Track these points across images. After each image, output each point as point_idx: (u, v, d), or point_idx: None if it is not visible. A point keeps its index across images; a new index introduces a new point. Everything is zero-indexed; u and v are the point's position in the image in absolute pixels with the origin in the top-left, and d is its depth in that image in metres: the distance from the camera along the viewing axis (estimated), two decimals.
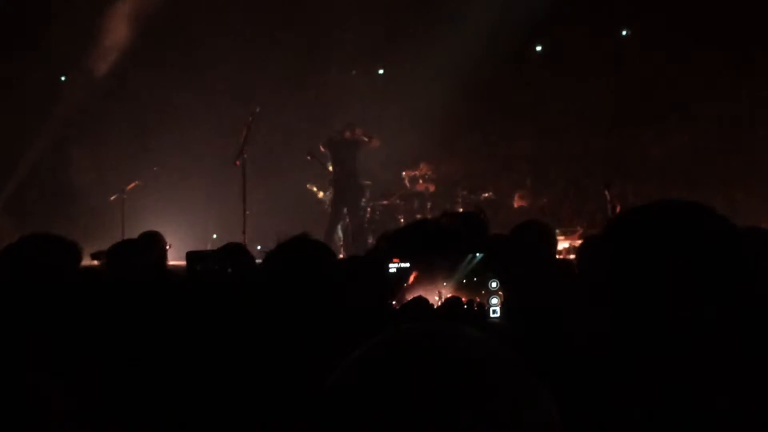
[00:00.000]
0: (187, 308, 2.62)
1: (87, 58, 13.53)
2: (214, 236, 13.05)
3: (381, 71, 14.76)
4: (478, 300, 3.39)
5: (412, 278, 3.59)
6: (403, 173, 13.01)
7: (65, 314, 2.28)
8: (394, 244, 3.50)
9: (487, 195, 12.63)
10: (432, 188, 12.70)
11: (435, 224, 3.78)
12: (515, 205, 12.44)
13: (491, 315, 3.34)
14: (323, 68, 14.23)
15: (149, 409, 2.27)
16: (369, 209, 12.57)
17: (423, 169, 12.79)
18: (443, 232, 3.60)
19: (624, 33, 13.78)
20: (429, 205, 12.47)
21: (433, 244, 3.48)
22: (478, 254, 3.47)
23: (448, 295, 3.48)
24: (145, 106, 13.63)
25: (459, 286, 3.47)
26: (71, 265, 2.60)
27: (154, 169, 12.93)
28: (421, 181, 12.72)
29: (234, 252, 3.54)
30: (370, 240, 11.51)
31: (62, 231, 4.15)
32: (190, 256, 3.55)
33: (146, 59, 13.50)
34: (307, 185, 13.09)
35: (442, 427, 0.91)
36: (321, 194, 12.95)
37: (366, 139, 12.11)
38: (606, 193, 10.94)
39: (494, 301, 3.37)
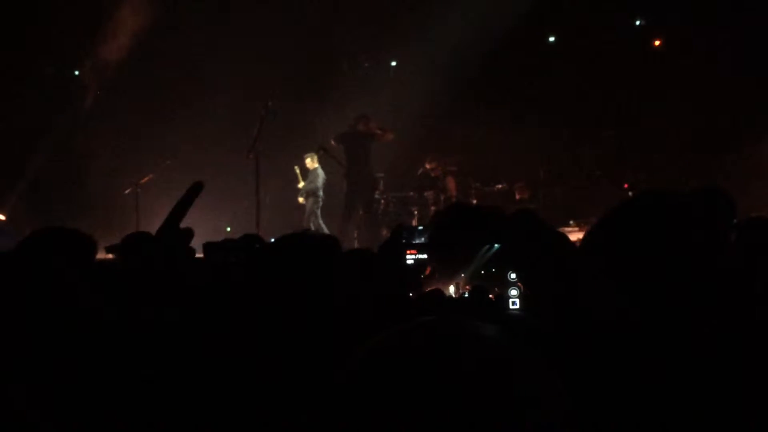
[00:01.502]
0: (204, 298, 2.61)
1: (99, 53, 13.58)
2: (228, 229, 13.08)
3: (393, 63, 14.73)
4: (497, 291, 3.34)
5: (428, 270, 3.54)
6: (418, 166, 13.00)
7: (78, 309, 2.27)
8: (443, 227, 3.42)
9: (500, 186, 12.60)
10: (446, 180, 12.67)
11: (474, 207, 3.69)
12: (516, 197, 12.38)
13: (511, 306, 3.28)
14: (335, 61, 14.20)
15: (161, 405, 2.26)
16: (383, 201, 12.56)
17: (436, 161, 12.75)
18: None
19: (637, 23, 13.70)
20: (443, 197, 12.45)
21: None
22: (494, 245, 3.39)
23: (467, 287, 3.43)
24: (157, 99, 13.64)
25: (476, 278, 3.42)
26: (86, 258, 2.60)
27: (167, 162, 12.95)
28: (434, 174, 12.69)
29: (251, 243, 3.52)
30: (384, 232, 11.50)
31: (77, 224, 4.17)
32: (208, 247, 3.55)
33: (158, 53, 13.52)
34: (295, 167, 13.07)
35: (449, 420, 0.91)
36: (301, 183, 12.94)
37: (379, 132, 12.09)
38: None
39: (514, 292, 3.31)
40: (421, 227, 6.25)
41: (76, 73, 14.22)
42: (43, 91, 13.59)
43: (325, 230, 12.50)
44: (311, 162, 12.94)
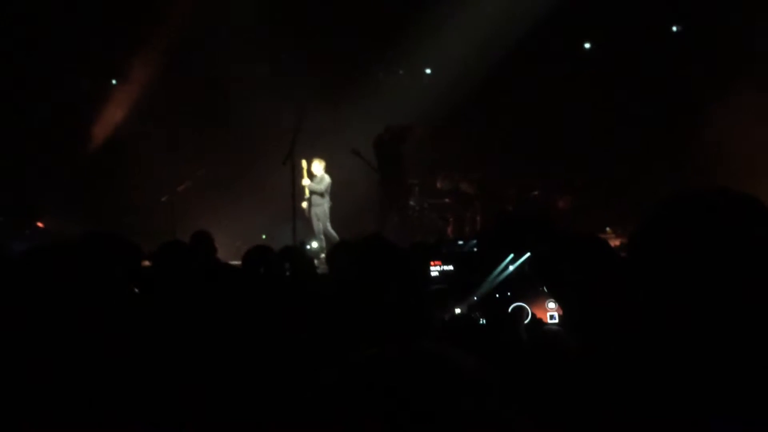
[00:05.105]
0: (246, 305, 2.63)
1: (135, 63, 13.74)
2: (263, 236, 13.12)
3: (428, 71, 14.70)
4: (533, 309, 3.17)
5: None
6: (443, 177, 12.94)
7: (129, 312, 2.29)
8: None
9: (536, 193, 12.52)
10: (461, 188, 12.64)
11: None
12: (558, 205, 12.27)
13: (549, 321, 3.12)
14: (370, 68, 14.21)
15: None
16: (418, 208, 12.53)
17: (447, 178, 12.73)
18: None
19: (675, 29, 13.55)
20: (478, 204, 12.42)
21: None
22: (511, 259, 3.22)
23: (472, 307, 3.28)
24: (192, 107, 13.76)
25: (489, 296, 3.25)
26: (133, 265, 2.63)
27: (203, 171, 13.08)
28: (465, 181, 12.66)
29: (292, 254, 3.54)
30: (419, 239, 11.46)
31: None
32: (250, 255, 3.56)
33: (193, 62, 13.62)
34: (303, 160, 12.45)
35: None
36: (305, 180, 12.60)
37: (407, 131, 12.08)
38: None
39: (551, 305, 3.15)
40: (461, 241, 6.19)
41: (114, 82, 14.38)
42: (81, 100, 13.78)
43: (335, 236, 12.40)
44: (319, 166, 12.69)
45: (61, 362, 2.19)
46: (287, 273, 3.41)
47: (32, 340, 2.15)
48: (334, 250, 3.72)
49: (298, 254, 3.59)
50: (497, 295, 3.31)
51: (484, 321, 2.98)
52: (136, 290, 2.77)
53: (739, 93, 11.40)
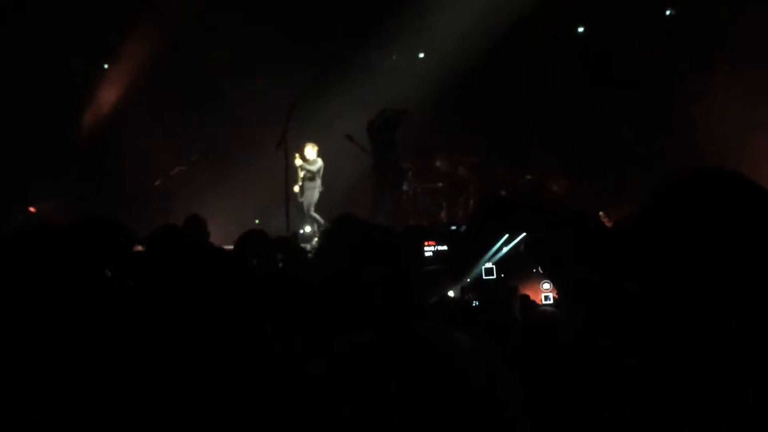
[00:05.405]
0: (238, 290, 2.62)
1: (130, 47, 13.68)
2: (257, 221, 13.10)
3: (421, 55, 14.64)
4: (524, 291, 3.17)
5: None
6: (442, 157, 12.94)
7: (121, 296, 2.28)
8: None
9: (530, 177, 12.52)
10: (457, 172, 12.63)
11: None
12: (554, 188, 12.26)
13: (543, 302, 3.12)
14: (364, 53, 14.16)
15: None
16: (411, 193, 12.51)
17: (446, 159, 12.72)
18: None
19: (668, 12, 13.51)
20: (471, 188, 12.40)
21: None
22: (505, 240, 3.22)
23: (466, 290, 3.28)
24: (186, 93, 13.71)
25: (480, 279, 3.25)
26: (125, 249, 2.61)
27: (196, 155, 13.05)
28: (444, 169, 12.67)
29: (285, 246, 3.52)
30: (412, 224, 11.46)
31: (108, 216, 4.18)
32: (243, 239, 3.55)
33: (187, 48, 13.57)
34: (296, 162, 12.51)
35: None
36: (296, 188, 12.58)
37: (400, 114, 12.06)
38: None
39: (546, 286, 3.16)
40: (454, 226, 6.15)
41: (106, 66, 14.32)
42: (73, 85, 13.71)
43: (321, 220, 12.33)
44: (312, 151, 12.62)
45: (44, 346, 2.18)
46: (280, 264, 3.40)
47: (15, 321, 2.14)
48: (322, 234, 3.73)
49: (290, 245, 3.58)
50: (491, 277, 3.29)
51: (477, 303, 2.97)
52: (108, 273, 2.74)
53: (725, 79, 11.45)
